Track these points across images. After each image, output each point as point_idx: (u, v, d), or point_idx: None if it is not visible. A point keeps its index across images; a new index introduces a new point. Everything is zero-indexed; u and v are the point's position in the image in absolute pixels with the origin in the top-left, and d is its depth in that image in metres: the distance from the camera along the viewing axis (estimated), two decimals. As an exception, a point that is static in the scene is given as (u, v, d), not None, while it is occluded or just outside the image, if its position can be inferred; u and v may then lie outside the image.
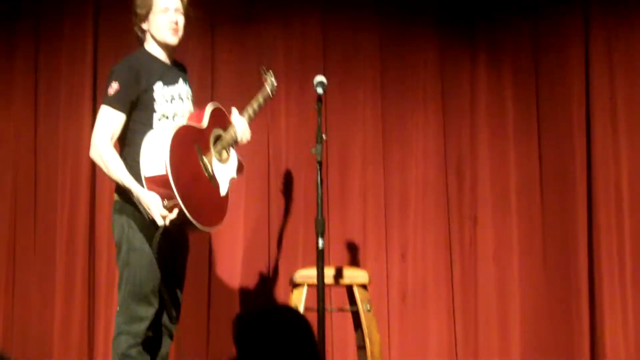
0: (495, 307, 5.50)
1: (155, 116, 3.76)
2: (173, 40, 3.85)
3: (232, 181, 3.88)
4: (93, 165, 5.27)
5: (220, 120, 3.95)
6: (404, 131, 5.60)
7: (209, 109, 3.89)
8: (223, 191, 3.81)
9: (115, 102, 3.68)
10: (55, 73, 5.41)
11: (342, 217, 5.50)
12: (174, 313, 3.91)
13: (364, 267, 5.29)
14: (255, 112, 4.11)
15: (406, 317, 5.48)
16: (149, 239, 3.66)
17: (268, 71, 4.34)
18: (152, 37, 3.85)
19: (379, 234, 5.51)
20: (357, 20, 5.61)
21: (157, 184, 3.56)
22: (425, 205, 5.55)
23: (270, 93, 4.28)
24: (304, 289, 4.59)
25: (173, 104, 3.81)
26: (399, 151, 5.59)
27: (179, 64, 4.01)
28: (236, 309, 5.29)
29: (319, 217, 3.75)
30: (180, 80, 3.91)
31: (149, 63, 3.83)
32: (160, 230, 3.57)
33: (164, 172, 3.54)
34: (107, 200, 5.27)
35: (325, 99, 5.09)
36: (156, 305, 3.74)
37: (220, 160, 3.85)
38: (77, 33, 5.41)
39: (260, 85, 4.31)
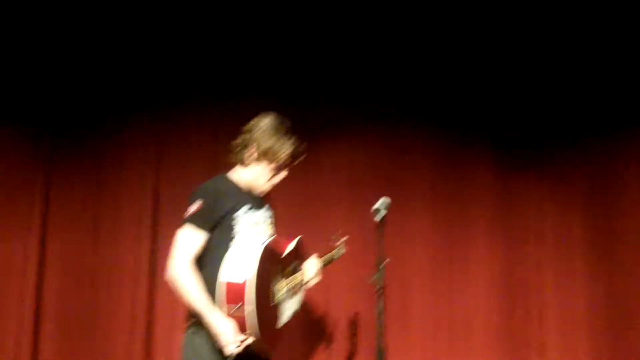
0: None
1: (235, 237, 3.67)
2: (262, 193, 3.85)
3: (290, 316, 3.81)
4: (151, 290, 5.35)
5: (300, 254, 3.96)
6: (467, 257, 5.49)
7: (295, 241, 3.89)
8: (283, 321, 3.73)
9: (196, 221, 3.59)
10: (118, 196, 5.49)
11: (403, 345, 5.34)
12: None
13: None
14: (325, 264, 4.14)
15: None
16: None
17: (342, 238, 4.38)
18: (250, 173, 3.80)
19: (443, 362, 5.36)
20: (411, 139, 5.59)
21: (235, 291, 3.45)
22: (489, 333, 5.40)
23: (337, 256, 4.34)
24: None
25: (256, 229, 3.74)
26: (461, 278, 5.46)
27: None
28: None
29: (379, 346, 3.65)
30: (265, 205, 3.88)
31: (233, 188, 3.76)
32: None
33: (244, 281, 3.44)
34: (167, 322, 5.31)
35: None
36: None
37: (289, 292, 3.80)
38: (138, 154, 5.52)
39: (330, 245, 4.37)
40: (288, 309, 3.79)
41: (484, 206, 5.55)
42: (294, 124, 5.22)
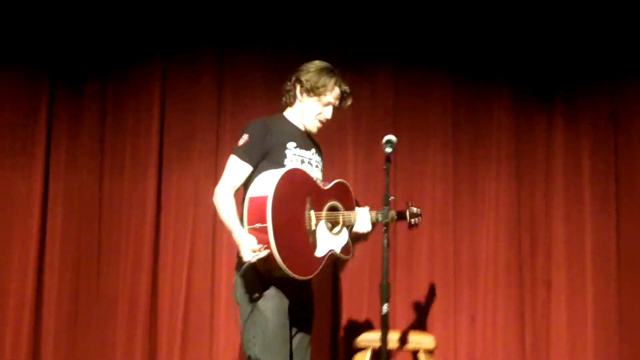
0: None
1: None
2: (315, 131, 3.98)
3: (332, 254, 3.80)
4: (157, 223, 5.38)
5: (343, 196, 3.95)
6: (476, 192, 5.48)
7: (336, 180, 3.93)
8: (318, 253, 3.74)
9: (242, 153, 3.80)
10: (122, 131, 5.46)
11: (409, 280, 5.38)
12: None
13: (432, 331, 5.19)
14: (381, 220, 3.98)
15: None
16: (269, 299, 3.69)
17: (416, 209, 4.24)
18: (298, 110, 3.96)
19: (448, 296, 5.37)
20: (429, 77, 5.54)
21: (257, 205, 3.58)
22: (497, 267, 5.40)
23: (408, 220, 4.19)
24: (368, 353, 4.53)
25: (303, 166, 3.85)
26: (470, 212, 5.46)
27: (312, 138, 4.05)
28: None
29: (384, 282, 3.62)
30: (314, 149, 3.97)
31: (285, 125, 3.94)
32: (247, 265, 3.55)
33: (266, 195, 3.55)
34: (170, 259, 5.35)
35: (395, 158, 5.06)
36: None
37: (329, 228, 3.81)
38: (143, 90, 5.47)
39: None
40: (327, 244, 3.78)
41: (497, 145, 5.50)
42: (303, 59, 5.23)
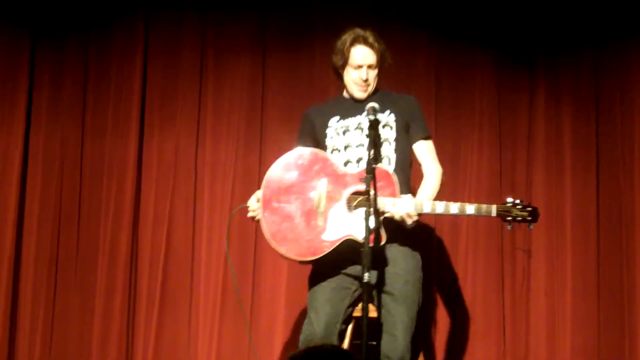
0: (545, 342, 5.33)
1: (328, 150, 3.99)
2: (360, 95, 3.99)
3: (348, 239, 3.78)
4: (138, 183, 5.37)
5: (378, 181, 3.73)
6: (457, 158, 5.46)
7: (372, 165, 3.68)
8: (327, 237, 3.76)
9: (298, 142, 4.07)
10: (104, 90, 5.41)
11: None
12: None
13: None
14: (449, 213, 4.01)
15: (454, 348, 5.32)
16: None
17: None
18: (346, 86, 4.03)
19: (429, 262, 5.35)
20: (412, 42, 5.50)
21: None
22: (477, 234, 5.40)
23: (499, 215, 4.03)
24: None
25: (346, 136, 3.94)
26: (451, 178, 5.42)
27: (382, 95, 4.08)
28: (281, 343, 5.22)
29: (366, 249, 3.60)
30: (365, 112, 3.81)
31: (333, 105, 4.14)
32: (232, 213, 3.87)
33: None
34: (151, 218, 5.32)
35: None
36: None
37: (350, 212, 3.82)
38: (126, 49, 5.42)
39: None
40: (342, 228, 3.79)
41: (479, 111, 5.48)
42: (287, 23, 5.18)
